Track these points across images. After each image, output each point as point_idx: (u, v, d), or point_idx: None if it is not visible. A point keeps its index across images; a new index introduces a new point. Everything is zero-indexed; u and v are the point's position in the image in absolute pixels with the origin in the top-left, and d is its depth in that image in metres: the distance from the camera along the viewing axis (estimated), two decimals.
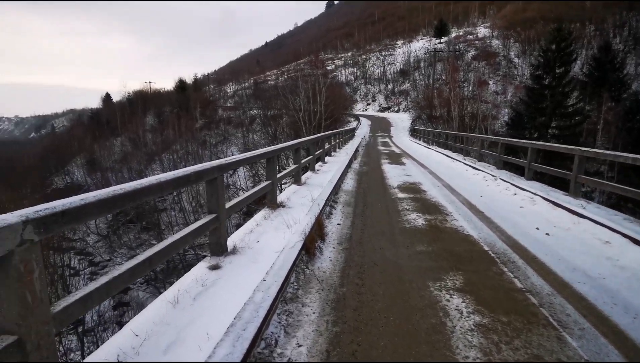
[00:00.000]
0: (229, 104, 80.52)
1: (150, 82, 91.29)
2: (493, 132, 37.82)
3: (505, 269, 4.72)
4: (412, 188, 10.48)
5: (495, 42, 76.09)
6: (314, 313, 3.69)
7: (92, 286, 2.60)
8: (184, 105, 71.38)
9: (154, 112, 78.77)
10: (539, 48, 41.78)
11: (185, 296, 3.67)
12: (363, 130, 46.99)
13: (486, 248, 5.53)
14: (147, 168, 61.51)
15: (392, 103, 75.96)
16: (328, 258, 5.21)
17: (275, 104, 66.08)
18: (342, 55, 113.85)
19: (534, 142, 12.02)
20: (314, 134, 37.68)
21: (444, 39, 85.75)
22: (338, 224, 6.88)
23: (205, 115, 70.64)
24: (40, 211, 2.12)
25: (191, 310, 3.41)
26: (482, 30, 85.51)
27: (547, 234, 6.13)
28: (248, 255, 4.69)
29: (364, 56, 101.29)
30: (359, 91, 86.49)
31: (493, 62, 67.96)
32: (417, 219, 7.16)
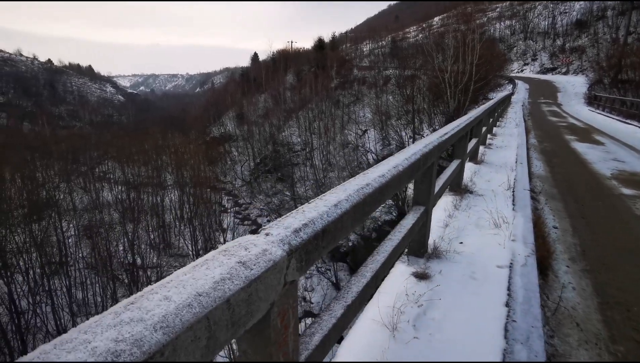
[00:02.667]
0: (364, 64, 78.87)
1: (291, 42, 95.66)
2: None
3: None
4: None
5: None
6: None
7: (325, 325, 1.82)
8: (321, 63, 72.83)
9: (294, 71, 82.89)
10: None
11: (401, 319, 2.77)
12: (520, 95, 39.88)
13: None
14: (285, 124, 66.07)
15: (560, 63, 62.48)
16: (569, 283, 3.69)
17: (413, 63, 61.71)
18: (497, 5, 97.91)
19: None
20: (458, 99, 33.77)
21: None
22: (554, 227, 5.14)
23: (341, 74, 70.84)
24: (299, 230, 1.30)
25: (418, 346, 2.49)
26: None
27: None
28: (459, 264, 3.54)
29: (526, 5, 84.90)
30: (515, 48, 73.76)
31: None
32: None
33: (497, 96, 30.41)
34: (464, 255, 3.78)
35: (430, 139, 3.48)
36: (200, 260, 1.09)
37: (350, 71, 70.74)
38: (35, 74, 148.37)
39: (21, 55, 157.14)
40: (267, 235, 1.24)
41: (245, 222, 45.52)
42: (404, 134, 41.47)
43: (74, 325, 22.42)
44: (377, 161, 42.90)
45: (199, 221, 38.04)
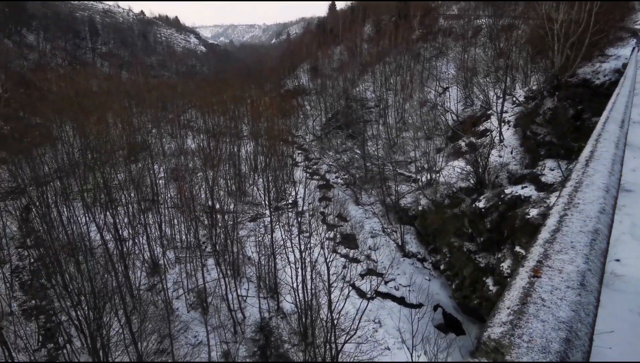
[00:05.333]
0: (451, 12, 71.06)
1: None
2: None
3: None
4: None
5: None
6: None
7: None
8: (403, 12, 67.23)
9: (372, 21, 78.06)
10: None
11: None
12: None
13: None
14: (359, 79, 63.78)
15: None
16: None
17: (512, 10, 53.91)
18: None
19: None
20: (567, 54, 28.75)
21: None
22: None
23: (424, 24, 64.94)
24: None
25: None
26: None
27: None
28: (621, 294, 2.73)
29: None
30: None
31: None
32: None
33: (618, 52, 25.38)
34: (627, 279, 2.91)
35: None
36: None
37: (435, 21, 64.39)
38: (131, 25, 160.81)
39: (118, 7, 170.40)
40: None
41: (315, 177, 46.43)
42: (491, 93, 37.31)
43: (164, 256, 25.22)
44: (457, 122, 39.62)
45: (271, 173, 39.61)
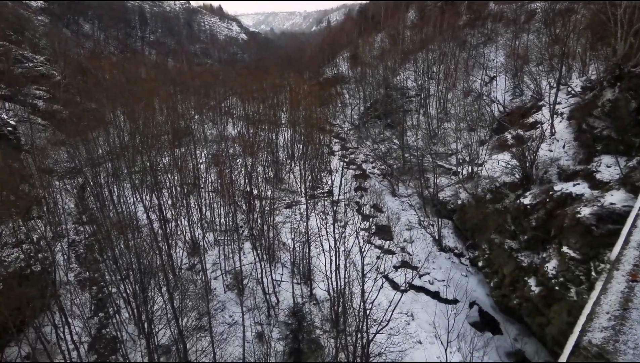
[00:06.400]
0: None
1: None
2: None
3: None
4: None
5: None
6: None
7: None
8: None
9: (417, 7, 75.30)
10: None
11: None
12: None
13: None
14: (400, 67, 62.01)
15: None
16: None
17: None
18: None
19: None
20: (630, 42, 26.09)
21: None
22: None
23: (472, 9, 61.67)
24: None
25: None
26: None
27: None
28: None
29: None
30: None
31: None
32: None
33: None
34: None
35: None
36: None
37: (484, 5, 60.92)
38: (177, 14, 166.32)
39: None
40: None
41: (351, 166, 46.13)
42: (543, 83, 34.85)
43: (204, 238, 26.31)
44: (503, 113, 37.51)
45: (308, 161, 39.86)
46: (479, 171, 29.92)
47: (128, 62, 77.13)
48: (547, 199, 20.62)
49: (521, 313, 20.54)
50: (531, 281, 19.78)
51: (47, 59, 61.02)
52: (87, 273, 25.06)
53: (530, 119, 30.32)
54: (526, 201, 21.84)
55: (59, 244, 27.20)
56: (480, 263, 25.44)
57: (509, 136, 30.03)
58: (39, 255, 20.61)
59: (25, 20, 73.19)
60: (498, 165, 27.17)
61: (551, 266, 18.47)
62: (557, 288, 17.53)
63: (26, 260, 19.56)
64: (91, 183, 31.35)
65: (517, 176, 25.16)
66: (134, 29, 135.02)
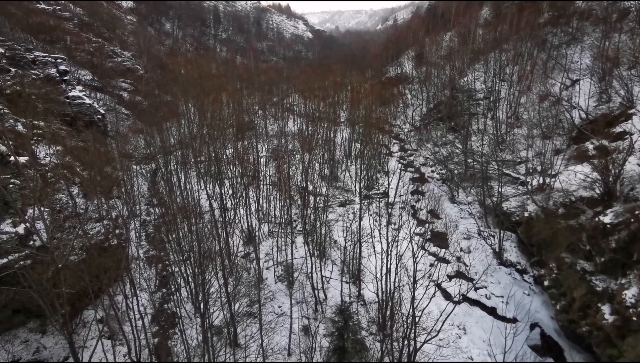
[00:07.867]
0: None
1: None
2: None
3: None
4: None
5: None
6: None
7: None
8: None
9: (492, 4, 70.75)
10: None
11: None
12: None
13: None
14: (469, 67, 58.78)
15: None
16: None
17: None
18: None
19: None
20: None
21: None
22: None
23: (556, 6, 56.39)
24: None
25: None
26: None
27: None
28: None
29: None
30: None
31: None
32: None
33: None
34: None
35: None
36: None
37: (570, 2, 55.37)
38: (247, 13, 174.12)
39: None
40: None
41: (409, 169, 44.84)
42: (636, 89, 30.82)
43: (259, 229, 27.30)
44: (585, 120, 33.84)
45: (365, 161, 39.58)
46: (552, 183, 27.44)
47: (201, 59, 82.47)
48: (632, 220, 18.32)
49: (590, 342, 18.55)
50: (605, 309, 17.75)
51: (132, 54, 67.62)
52: (155, 251, 27.37)
53: (618, 129, 27.07)
54: (606, 219, 19.60)
55: (133, 222, 30.01)
56: (546, 283, 23.35)
57: (591, 146, 27.10)
58: (117, 231, 22.92)
59: (116, 19, 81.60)
60: (575, 177, 24.71)
61: (630, 294, 16.42)
62: (634, 318, 15.59)
63: (105, 234, 21.87)
64: (162, 169, 34.15)
65: (597, 191, 22.66)
66: (208, 27, 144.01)
